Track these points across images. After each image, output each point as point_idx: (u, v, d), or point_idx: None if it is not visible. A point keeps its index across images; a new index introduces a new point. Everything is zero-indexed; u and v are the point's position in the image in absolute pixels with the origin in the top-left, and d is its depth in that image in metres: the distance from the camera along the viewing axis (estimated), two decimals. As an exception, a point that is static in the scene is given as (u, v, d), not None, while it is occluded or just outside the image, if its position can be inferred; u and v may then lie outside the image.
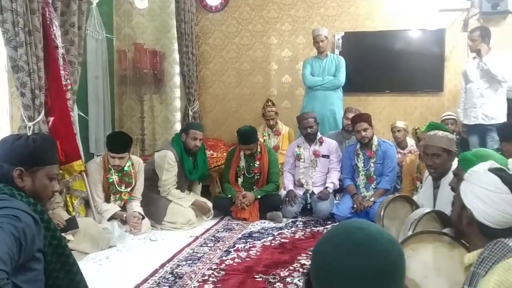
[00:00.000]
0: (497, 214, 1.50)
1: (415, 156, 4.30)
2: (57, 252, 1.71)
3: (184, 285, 2.95)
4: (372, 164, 4.49)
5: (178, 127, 6.39)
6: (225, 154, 5.21)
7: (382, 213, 2.90)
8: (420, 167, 4.14)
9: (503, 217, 1.51)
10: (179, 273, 3.14)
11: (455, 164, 3.15)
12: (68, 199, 3.76)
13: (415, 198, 3.97)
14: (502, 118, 4.70)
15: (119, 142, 3.96)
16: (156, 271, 3.17)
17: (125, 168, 4.02)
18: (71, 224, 3.38)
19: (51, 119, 3.50)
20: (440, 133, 3.12)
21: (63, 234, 3.19)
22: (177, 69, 6.29)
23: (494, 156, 2.24)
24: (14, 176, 1.73)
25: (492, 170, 1.58)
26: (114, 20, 6.16)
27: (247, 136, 4.57)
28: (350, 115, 5.10)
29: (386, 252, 0.93)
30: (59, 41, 3.53)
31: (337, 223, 1.07)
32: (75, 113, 3.93)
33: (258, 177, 4.68)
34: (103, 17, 5.64)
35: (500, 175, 1.55)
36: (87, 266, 3.25)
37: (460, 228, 1.64)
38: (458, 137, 5.13)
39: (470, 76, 4.85)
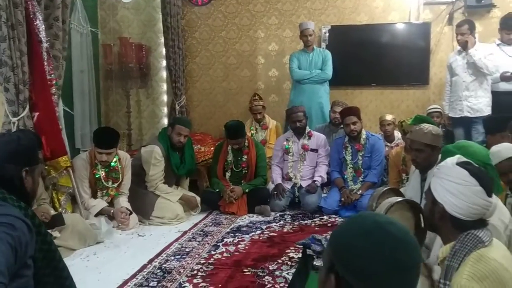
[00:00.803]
0: (467, 206, 1.53)
1: (401, 148, 4.35)
2: (48, 256, 1.68)
3: (173, 280, 2.94)
4: (360, 157, 4.52)
5: (165, 121, 6.36)
6: (212, 148, 5.19)
7: (374, 206, 2.92)
8: (406, 159, 4.18)
9: (473, 209, 1.54)
10: (167, 268, 3.13)
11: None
12: (54, 195, 3.71)
13: (402, 190, 4.02)
14: (487, 110, 4.75)
15: (106, 138, 3.92)
16: (144, 267, 3.16)
17: (112, 164, 3.98)
18: (58, 221, 3.34)
19: (36, 114, 3.44)
20: (426, 128, 3.10)
21: (49, 231, 3.19)
22: (163, 63, 6.25)
23: (474, 147, 2.26)
24: (23, 177, 1.70)
25: (459, 164, 1.61)
26: (98, 13, 6.07)
27: (235, 130, 4.57)
28: (338, 109, 5.13)
29: (417, 246, 1.01)
30: (43, 35, 3.47)
31: (357, 216, 1.06)
32: (60, 108, 3.87)
33: (246, 171, 4.68)
34: (87, 11, 5.57)
35: (467, 168, 1.58)
36: (75, 263, 3.23)
37: (433, 222, 1.66)
38: (443, 129, 5.17)
39: (456, 69, 4.90)
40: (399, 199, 2.34)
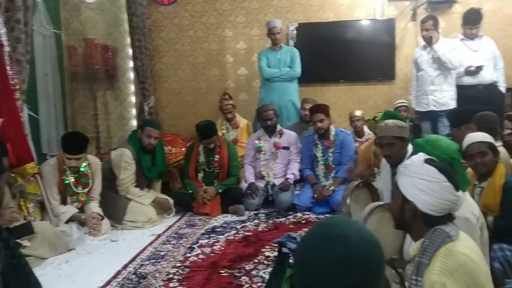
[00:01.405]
0: (438, 202, 1.58)
1: (370, 143, 4.41)
2: (17, 271, 1.61)
3: (149, 285, 2.90)
4: (330, 154, 4.56)
5: (133, 123, 6.27)
6: (183, 149, 5.16)
7: (348, 200, 2.97)
8: (377, 153, 4.25)
9: (444, 204, 1.58)
10: (142, 273, 3.09)
11: (410, 149, 3.26)
12: (22, 203, 3.60)
13: (374, 184, 4.09)
14: (452, 104, 4.88)
15: (75, 143, 3.83)
16: (119, 273, 3.11)
17: (81, 169, 3.89)
18: (27, 229, 3.24)
19: (0, 120, 3.33)
20: (391, 122, 3.18)
21: (18, 240, 3.09)
22: (130, 64, 6.15)
23: (443, 141, 2.31)
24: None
25: (427, 161, 1.65)
26: (61, 15, 5.93)
27: (207, 130, 4.54)
28: (307, 106, 5.16)
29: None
30: (4, 39, 3.36)
31: (319, 224, 1.05)
32: (25, 113, 3.76)
33: (218, 171, 4.65)
34: (49, 12, 5.42)
35: (435, 165, 1.63)
36: (46, 272, 3.14)
37: (404, 221, 1.68)
38: (411, 123, 5.29)
39: (421, 64, 5.00)
40: (378, 204, 2.39)
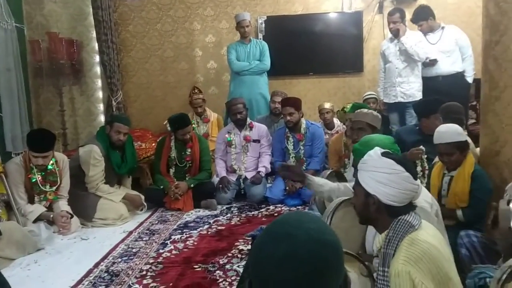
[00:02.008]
0: (399, 193, 1.62)
1: (340, 135, 4.48)
2: None
3: (122, 283, 2.88)
4: (301, 147, 4.60)
5: (101, 119, 6.15)
6: (153, 144, 5.10)
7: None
8: (347, 144, 4.32)
9: (405, 194, 1.63)
10: (115, 271, 3.05)
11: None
12: (-14, 203, 3.50)
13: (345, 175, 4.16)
14: (418, 95, 4.97)
15: (41, 141, 3.73)
16: (90, 271, 3.06)
17: (49, 167, 3.80)
18: (-8, 230, 3.16)
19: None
20: (366, 110, 3.30)
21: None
22: (96, 58, 6.02)
23: (376, 139, 2.36)
24: None
25: (384, 154, 1.70)
26: (23, 8, 5.72)
27: (181, 120, 4.53)
28: (277, 99, 5.20)
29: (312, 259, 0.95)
30: (-37, 33, 3.24)
31: (273, 222, 1.06)
32: (-13, 111, 3.64)
33: (190, 165, 4.62)
34: (10, 5, 5.21)
35: (392, 157, 1.68)
36: (15, 273, 3.07)
37: (369, 215, 1.71)
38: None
39: (388, 56, 5.08)
40: (343, 198, 2.43)
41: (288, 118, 4.51)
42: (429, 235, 1.59)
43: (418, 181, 1.69)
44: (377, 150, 1.74)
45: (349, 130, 4.07)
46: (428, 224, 1.68)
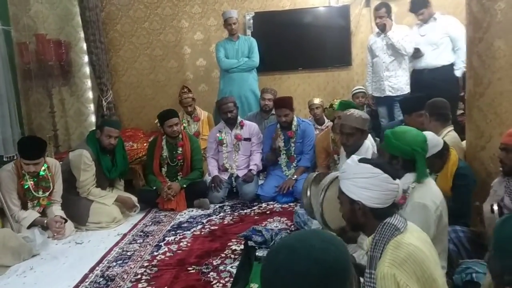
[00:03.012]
0: (381, 194, 1.69)
1: (326, 132, 4.51)
2: None
3: (117, 287, 2.92)
4: (292, 144, 4.64)
5: (92, 119, 6.16)
6: (145, 144, 5.11)
7: (308, 192, 3.06)
8: (336, 140, 4.35)
9: (387, 195, 1.70)
10: (110, 275, 3.09)
11: (368, 140, 3.38)
12: (-20, 211, 3.52)
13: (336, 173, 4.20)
14: (406, 89, 5.02)
15: (32, 148, 3.73)
16: (86, 276, 3.10)
17: (41, 172, 3.80)
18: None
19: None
20: (356, 112, 3.33)
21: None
22: (85, 58, 6.03)
23: (410, 133, 2.33)
24: None
25: (361, 160, 1.77)
26: (9, 9, 5.70)
27: (168, 112, 4.59)
28: (267, 96, 5.23)
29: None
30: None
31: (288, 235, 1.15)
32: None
33: (182, 164, 4.65)
34: (-4, 8, 5.21)
35: (369, 162, 1.76)
36: (10, 281, 3.11)
37: (357, 221, 1.77)
38: (368, 109, 5.44)
39: (376, 50, 5.11)
40: (337, 173, 2.51)
41: (284, 119, 4.54)
42: (414, 237, 1.65)
43: (397, 180, 1.75)
44: (354, 158, 1.81)
45: (338, 127, 4.12)
46: (414, 226, 1.73)
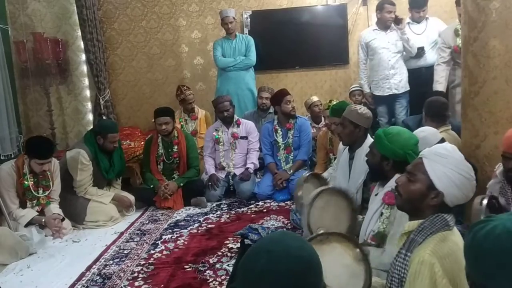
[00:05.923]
0: (462, 196, 1.65)
1: (327, 130, 4.53)
2: None
3: (114, 286, 2.93)
4: (290, 136, 4.67)
5: (90, 117, 6.16)
6: (142, 143, 5.12)
7: (300, 193, 3.08)
8: (332, 140, 4.38)
9: (464, 199, 1.67)
10: (107, 274, 3.11)
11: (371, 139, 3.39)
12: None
13: (330, 169, 4.24)
14: (407, 86, 5.04)
15: (44, 148, 3.74)
16: (83, 275, 3.11)
17: (40, 171, 3.82)
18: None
19: None
20: (354, 106, 3.39)
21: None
22: (82, 57, 6.02)
23: (403, 135, 2.36)
24: None
25: (465, 157, 1.70)
26: (6, 8, 5.70)
27: (161, 109, 4.63)
28: (264, 94, 5.24)
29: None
30: None
31: (262, 238, 1.19)
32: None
33: (178, 161, 4.66)
34: (-7, 6, 5.21)
35: (471, 163, 1.70)
36: (8, 279, 3.12)
37: (419, 205, 1.69)
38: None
39: (377, 48, 5.03)
40: (323, 188, 2.54)
41: (293, 104, 4.68)
42: (458, 239, 1.61)
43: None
44: (457, 150, 1.71)
45: (330, 128, 4.22)
46: (457, 230, 1.70)
